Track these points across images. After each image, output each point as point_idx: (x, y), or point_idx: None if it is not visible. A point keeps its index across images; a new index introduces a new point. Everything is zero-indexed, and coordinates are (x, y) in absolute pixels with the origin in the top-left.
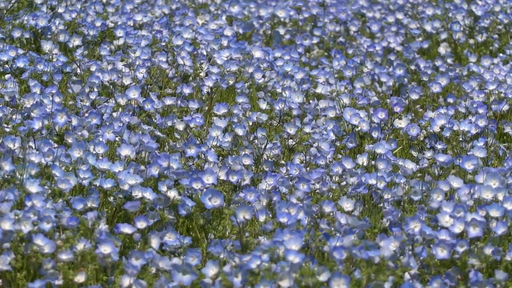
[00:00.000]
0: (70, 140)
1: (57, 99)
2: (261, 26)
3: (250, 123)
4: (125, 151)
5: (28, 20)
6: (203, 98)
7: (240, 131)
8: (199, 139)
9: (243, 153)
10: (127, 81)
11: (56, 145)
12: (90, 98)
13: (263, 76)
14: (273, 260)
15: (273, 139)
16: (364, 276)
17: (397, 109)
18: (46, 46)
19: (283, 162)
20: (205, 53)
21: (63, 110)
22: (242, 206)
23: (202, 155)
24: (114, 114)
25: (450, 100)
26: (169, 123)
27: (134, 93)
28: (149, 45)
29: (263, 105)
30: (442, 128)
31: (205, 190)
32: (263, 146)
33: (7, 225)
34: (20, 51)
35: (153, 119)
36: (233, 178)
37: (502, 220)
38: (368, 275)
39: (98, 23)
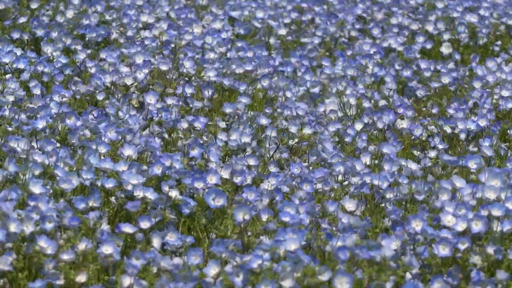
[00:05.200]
0: (73, 140)
1: (62, 99)
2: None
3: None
4: (128, 151)
5: (28, 24)
6: (207, 98)
7: (246, 138)
8: (204, 138)
9: (247, 153)
10: (128, 82)
11: (59, 145)
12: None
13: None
14: (274, 260)
15: (285, 143)
16: (366, 276)
17: (400, 110)
18: (47, 48)
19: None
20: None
21: (73, 113)
22: (241, 207)
23: (206, 155)
24: (120, 114)
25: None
26: (179, 125)
27: (151, 98)
28: (151, 48)
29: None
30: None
31: (207, 189)
32: (270, 148)
33: (12, 227)
34: (20, 53)
35: (163, 126)
36: (237, 179)
37: (504, 219)
38: (370, 275)
39: (102, 31)
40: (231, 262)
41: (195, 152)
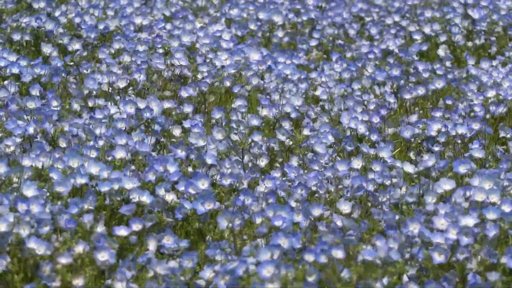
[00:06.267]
0: (64, 144)
1: (54, 103)
2: (260, 28)
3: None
4: (120, 154)
5: (29, 22)
6: (201, 99)
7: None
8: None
9: (234, 158)
10: (122, 84)
11: (50, 148)
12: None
13: (262, 77)
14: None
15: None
16: (354, 275)
17: (384, 112)
18: (46, 49)
19: (277, 164)
20: (203, 54)
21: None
22: (225, 213)
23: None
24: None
25: (449, 102)
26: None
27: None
28: (148, 48)
29: (264, 112)
30: (438, 132)
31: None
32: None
33: (2, 227)
34: (18, 55)
35: (153, 126)
36: (227, 181)
37: (497, 223)
38: (359, 274)
39: (101, 26)
40: (225, 265)
41: (182, 154)
